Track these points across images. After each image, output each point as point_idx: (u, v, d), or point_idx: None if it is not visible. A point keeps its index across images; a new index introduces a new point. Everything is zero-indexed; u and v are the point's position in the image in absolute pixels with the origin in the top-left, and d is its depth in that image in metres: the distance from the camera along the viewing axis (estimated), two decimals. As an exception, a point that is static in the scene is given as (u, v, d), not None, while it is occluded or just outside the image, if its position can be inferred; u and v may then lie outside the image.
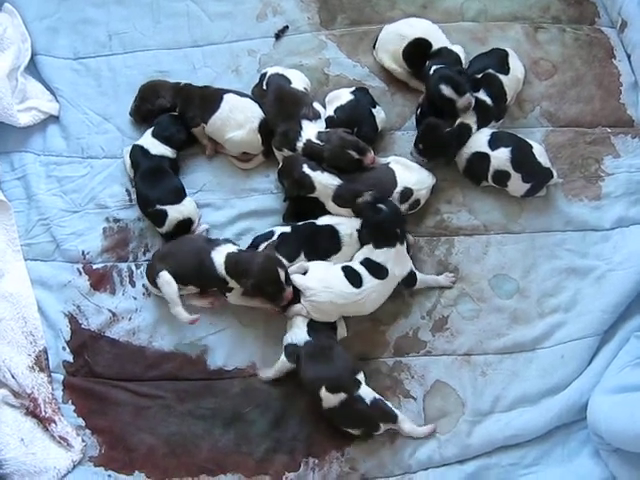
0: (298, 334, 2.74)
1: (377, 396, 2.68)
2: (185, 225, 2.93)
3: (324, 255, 2.85)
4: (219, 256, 2.75)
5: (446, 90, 2.86)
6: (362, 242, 2.81)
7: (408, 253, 2.84)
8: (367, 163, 2.86)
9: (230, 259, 2.74)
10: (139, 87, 3.11)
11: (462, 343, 2.85)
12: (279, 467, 2.75)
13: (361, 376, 2.69)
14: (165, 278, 2.79)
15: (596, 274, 2.90)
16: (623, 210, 2.97)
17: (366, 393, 2.66)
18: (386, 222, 2.74)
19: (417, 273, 2.84)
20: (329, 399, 2.63)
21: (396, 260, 2.76)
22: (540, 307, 2.88)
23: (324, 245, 2.84)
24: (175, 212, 2.90)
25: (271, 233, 2.85)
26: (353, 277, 2.73)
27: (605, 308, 2.83)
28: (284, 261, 2.77)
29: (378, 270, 2.74)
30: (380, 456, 2.74)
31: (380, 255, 2.75)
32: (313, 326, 2.75)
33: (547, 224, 2.97)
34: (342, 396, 2.63)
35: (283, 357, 2.74)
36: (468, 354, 2.84)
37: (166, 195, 2.92)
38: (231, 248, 2.78)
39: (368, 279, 2.73)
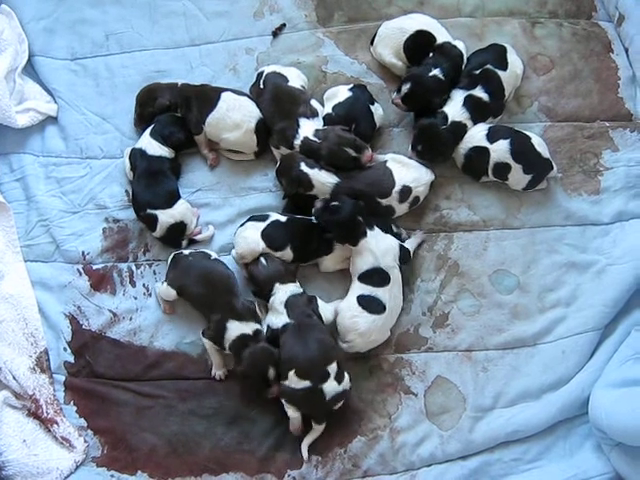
0: (278, 317, 2.74)
1: (339, 390, 2.67)
2: (178, 228, 2.93)
3: (313, 254, 2.87)
4: (232, 333, 2.72)
5: (405, 87, 2.94)
6: (341, 242, 2.81)
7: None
8: (364, 161, 2.86)
9: (236, 342, 2.72)
10: (135, 96, 3.09)
11: (463, 339, 2.85)
12: (281, 465, 2.75)
13: (333, 367, 2.67)
14: (165, 292, 2.85)
15: (596, 268, 2.91)
16: (622, 204, 2.98)
17: (329, 388, 2.64)
18: (346, 215, 2.72)
19: (406, 246, 2.84)
20: (294, 381, 2.65)
21: (378, 248, 2.74)
22: (541, 302, 2.88)
23: (315, 244, 2.85)
24: (166, 216, 2.90)
25: (266, 216, 2.86)
26: (373, 306, 2.73)
27: (605, 302, 2.84)
28: (270, 251, 2.81)
29: (381, 276, 2.75)
30: (382, 453, 2.75)
31: (364, 253, 2.74)
32: (292, 307, 2.74)
33: (546, 219, 2.97)
34: (306, 384, 2.64)
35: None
36: (469, 350, 2.85)
37: (157, 199, 2.91)
38: (248, 329, 2.74)
39: (382, 294, 2.74)
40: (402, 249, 2.80)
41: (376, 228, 2.78)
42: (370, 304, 2.72)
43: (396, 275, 2.77)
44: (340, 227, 2.76)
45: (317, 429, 2.71)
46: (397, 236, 2.87)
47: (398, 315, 2.83)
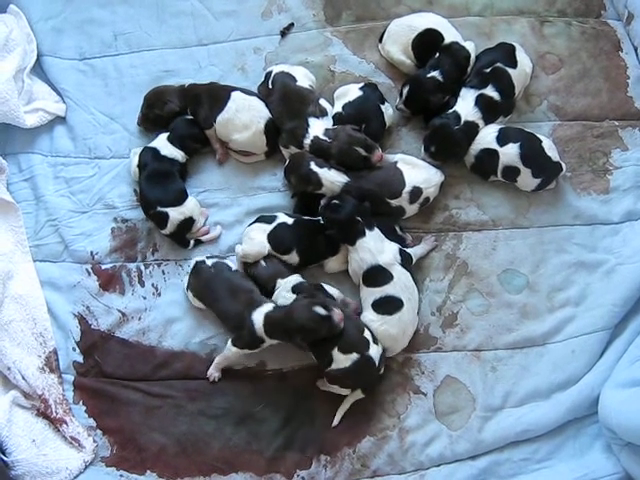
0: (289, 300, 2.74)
1: (381, 350, 2.69)
2: (187, 224, 2.94)
3: (319, 257, 2.88)
4: (259, 318, 2.67)
5: (404, 90, 2.99)
6: (339, 241, 2.82)
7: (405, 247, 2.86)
8: (374, 160, 2.85)
9: (267, 320, 2.67)
10: (144, 96, 3.09)
11: (472, 339, 2.84)
12: (290, 465, 2.75)
13: (367, 332, 2.68)
14: (192, 300, 2.86)
15: (605, 268, 2.90)
16: (632, 203, 2.97)
17: (374, 352, 2.66)
18: (345, 214, 2.73)
19: (409, 250, 2.84)
20: (341, 360, 2.64)
21: (376, 247, 2.74)
22: (550, 302, 2.87)
23: (320, 246, 2.85)
24: (176, 214, 2.91)
25: (274, 218, 2.86)
26: (391, 305, 2.73)
27: (615, 302, 2.83)
28: (276, 254, 2.82)
29: (383, 274, 2.74)
30: (391, 453, 2.75)
31: (361, 252, 2.74)
32: (301, 290, 2.75)
33: (555, 218, 2.96)
34: (354, 357, 2.63)
35: None
36: (478, 350, 2.84)
37: (167, 197, 2.92)
38: (268, 307, 2.70)
39: (393, 289, 2.73)
40: (403, 253, 2.79)
41: (376, 229, 2.78)
42: (387, 306, 2.72)
43: (398, 270, 2.75)
44: (339, 226, 2.76)
45: (357, 395, 2.73)
46: (401, 240, 2.87)
47: (418, 300, 2.82)
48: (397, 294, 2.72)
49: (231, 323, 2.78)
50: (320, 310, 2.58)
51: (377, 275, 2.74)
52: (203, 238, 2.97)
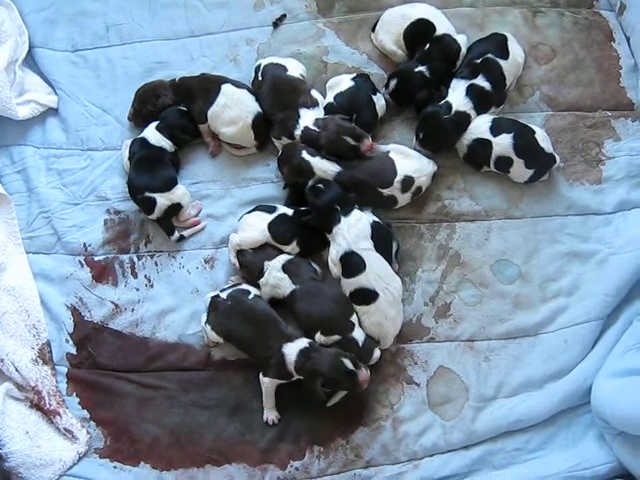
0: (281, 285, 2.76)
1: (365, 336, 2.72)
2: (174, 210, 2.94)
3: (318, 247, 2.87)
4: (291, 356, 2.64)
5: (392, 83, 3.00)
6: (316, 227, 2.81)
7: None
8: (364, 149, 2.85)
9: (299, 361, 2.64)
10: (135, 91, 3.08)
11: (465, 329, 2.85)
12: (284, 456, 2.75)
13: (354, 317, 2.71)
14: (212, 337, 2.78)
15: (598, 258, 2.90)
16: (624, 193, 2.97)
17: (358, 335, 2.69)
18: (325, 201, 2.75)
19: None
20: (322, 341, 2.70)
21: (350, 233, 2.73)
22: (542, 292, 2.88)
23: (320, 237, 2.84)
24: (164, 199, 2.90)
25: (274, 209, 2.86)
26: (366, 297, 2.73)
27: (608, 292, 2.83)
28: (277, 244, 2.82)
29: (357, 260, 2.73)
30: (385, 443, 2.75)
31: (337, 239, 2.75)
32: (293, 272, 2.77)
33: (548, 209, 2.96)
34: (336, 337, 2.67)
35: None
36: (471, 340, 2.84)
37: (156, 183, 2.91)
38: (302, 343, 2.67)
39: (364, 280, 2.72)
40: (375, 226, 2.78)
41: (351, 214, 2.76)
42: (362, 296, 2.72)
43: (373, 257, 2.74)
44: (317, 211, 2.77)
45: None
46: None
47: (401, 288, 2.80)
48: (370, 286, 2.71)
49: (253, 351, 2.75)
50: (347, 363, 2.59)
51: (351, 262, 2.73)
52: (185, 233, 2.97)
